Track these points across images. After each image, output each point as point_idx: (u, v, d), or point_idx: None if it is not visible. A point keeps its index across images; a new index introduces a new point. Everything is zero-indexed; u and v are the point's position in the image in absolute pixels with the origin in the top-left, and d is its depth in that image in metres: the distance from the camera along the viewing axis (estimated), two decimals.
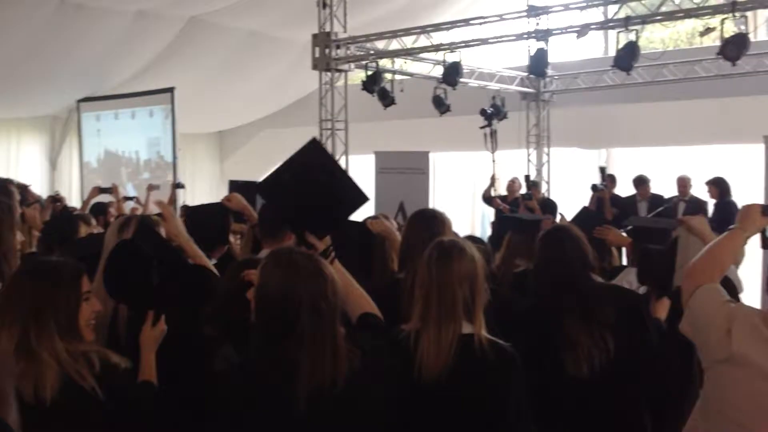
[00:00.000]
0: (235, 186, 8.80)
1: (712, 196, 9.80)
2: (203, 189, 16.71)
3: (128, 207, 9.09)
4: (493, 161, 10.61)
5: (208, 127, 17.20)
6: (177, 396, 2.78)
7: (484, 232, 14.19)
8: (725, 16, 7.89)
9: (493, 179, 11.50)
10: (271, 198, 3.02)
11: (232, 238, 4.95)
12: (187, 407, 2.77)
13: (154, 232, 3.40)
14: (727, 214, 8.78)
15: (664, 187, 10.99)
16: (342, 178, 2.86)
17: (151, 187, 9.71)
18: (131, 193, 12.12)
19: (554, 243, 3.50)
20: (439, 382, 2.63)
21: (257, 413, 2.24)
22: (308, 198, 2.75)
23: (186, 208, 7.17)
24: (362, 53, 10.64)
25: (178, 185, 10.36)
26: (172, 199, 9.93)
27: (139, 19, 11.95)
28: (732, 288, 3.35)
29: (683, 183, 10.27)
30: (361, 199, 2.80)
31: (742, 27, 8.06)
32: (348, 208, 2.86)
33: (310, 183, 2.75)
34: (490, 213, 12.30)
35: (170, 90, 13.40)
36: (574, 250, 3.42)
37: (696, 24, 12.07)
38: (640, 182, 10.79)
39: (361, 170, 13.30)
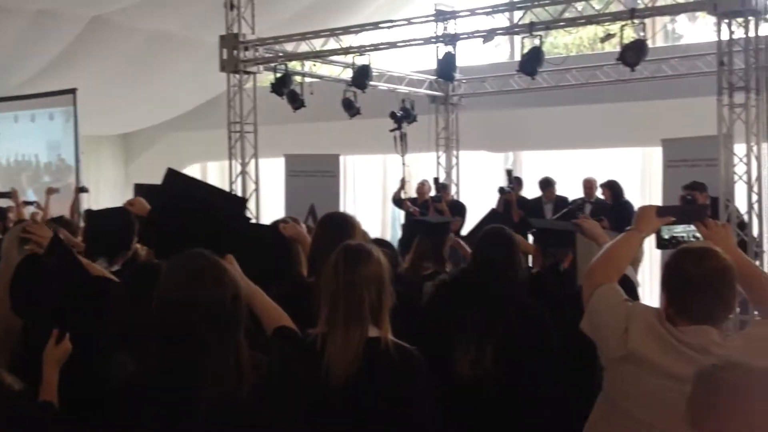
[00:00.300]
0: (140, 189, 8.57)
1: (606, 199, 10.07)
2: (108, 193, 16.27)
3: (28, 212, 8.80)
4: (403, 164, 10.69)
5: (112, 129, 16.77)
6: (78, 415, 2.68)
7: (395, 234, 14.28)
8: (625, 22, 8.13)
9: (403, 182, 11.58)
10: (162, 248, 2.96)
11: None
12: (89, 427, 2.68)
13: (65, 247, 3.28)
14: (623, 214, 9.07)
15: (571, 190, 11.29)
16: (212, 194, 2.84)
17: (50, 191, 9.41)
18: (31, 197, 11.70)
19: (491, 246, 3.55)
20: (347, 385, 2.63)
21: (154, 425, 2.18)
22: (193, 229, 2.71)
23: (88, 213, 6.98)
24: (271, 55, 10.54)
25: (81, 189, 10.07)
26: (76, 204, 9.66)
27: (39, 19, 11.55)
28: (631, 287, 3.47)
29: (589, 185, 10.51)
30: (237, 202, 2.79)
31: (641, 33, 8.32)
32: (233, 218, 2.84)
33: (187, 214, 2.72)
34: (401, 215, 12.38)
35: (72, 91, 12.99)
36: (509, 254, 3.48)
37: (597, 30, 12.42)
38: (546, 184, 11.03)
39: (271, 173, 13.20)
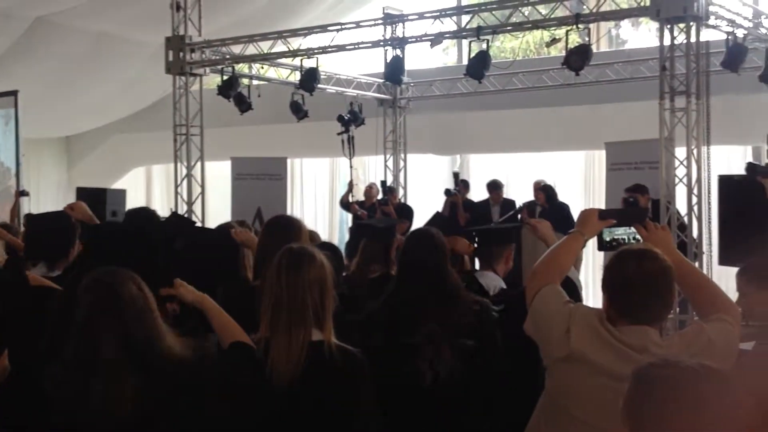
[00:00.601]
0: (83, 193, 8.46)
1: (540, 201, 10.12)
2: (49, 197, 15.94)
3: None
4: (351, 167, 10.68)
5: (54, 131, 16.42)
6: None
7: (343, 237, 14.25)
8: (570, 27, 8.25)
9: (350, 185, 11.57)
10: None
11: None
12: None
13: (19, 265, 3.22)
14: (559, 216, 9.14)
15: (517, 193, 11.40)
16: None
17: (21, 193, 9.26)
18: None
19: (417, 247, 3.54)
20: (290, 389, 2.61)
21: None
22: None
23: (28, 217, 6.83)
24: (218, 57, 10.45)
25: (22, 193, 9.85)
26: (16, 208, 9.45)
27: None
28: (574, 288, 3.51)
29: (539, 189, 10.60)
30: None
31: (586, 38, 8.45)
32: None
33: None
34: (348, 218, 12.38)
35: (14, 93, 12.70)
36: (437, 255, 3.48)
37: (543, 35, 12.57)
38: (493, 187, 11.12)
39: (218, 176, 13.08)
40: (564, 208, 10.00)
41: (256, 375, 2.59)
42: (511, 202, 10.92)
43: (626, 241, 2.91)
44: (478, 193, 11.97)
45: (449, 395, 3.26)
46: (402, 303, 3.39)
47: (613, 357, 2.43)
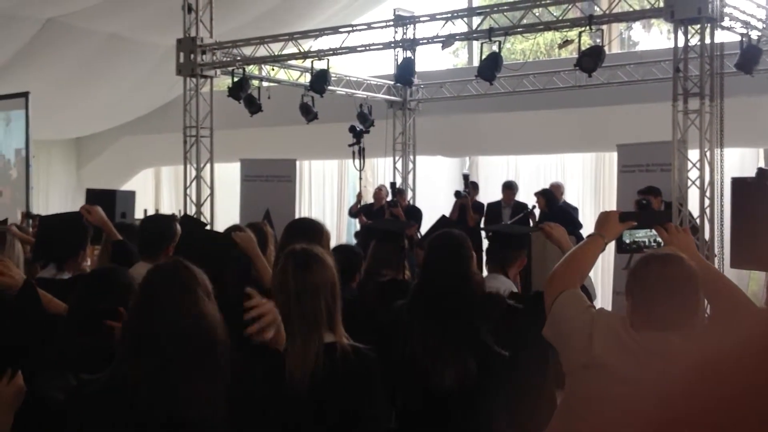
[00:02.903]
0: (92, 195, 8.41)
1: (541, 207, 9.93)
2: (58, 198, 15.96)
3: None
4: (360, 179, 10.61)
5: (64, 133, 16.44)
6: None
7: (351, 240, 14.22)
8: (582, 29, 8.19)
9: (359, 197, 11.52)
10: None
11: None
12: None
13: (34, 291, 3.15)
14: (560, 221, 8.97)
15: (529, 195, 11.33)
16: None
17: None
18: None
19: (441, 250, 3.48)
20: (309, 392, 2.56)
21: None
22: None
23: (40, 219, 6.81)
24: (228, 59, 10.43)
25: (28, 215, 9.77)
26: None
27: None
28: (587, 294, 3.45)
29: (554, 190, 10.51)
30: None
31: (598, 40, 8.39)
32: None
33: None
34: (356, 222, 12.34)
35: (24, 95, 12.72)
36: (461, 258, 3.42)
37: (555, 36, 12.51)
38: (506, 187, 11.03)
39: (227, 178, 13.07)
40: (566, 212, 9.88)
41: (278, 382, 2.55)
42: (523, 205, 10.84)
43: (647, 243, 2.86)
44: (487, 196, 11.91)
45: (472, 400, 3.21)
46: (426, 305, 3.32)
47: (635, 365, 2.37)
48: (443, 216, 9.63)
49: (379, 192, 11.57)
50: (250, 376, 2.41)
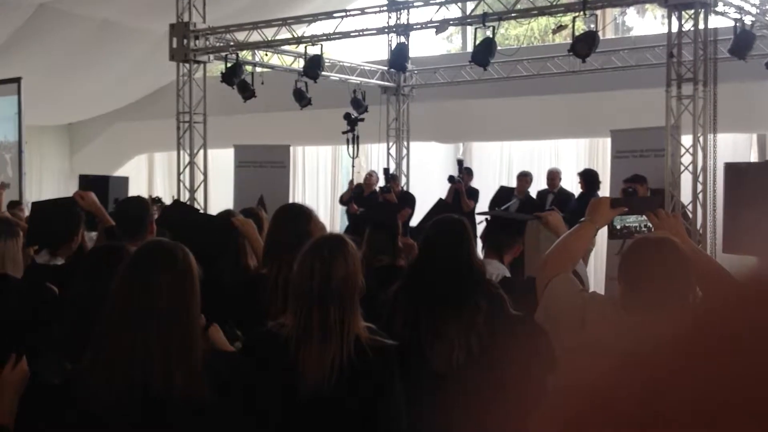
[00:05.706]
0: (85, 181, 8.39)
1: (582, 188, 9.81)
2: (51, 184, 15.92)
3: None
4: (353, 166, 10.61)
5: (56, 119, 16.39)
6: None
7: (344, 225, 14.22)
8: (576, 14, 8.19)
9: (351, 184, 11.51)
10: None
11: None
12: None
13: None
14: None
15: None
16: None
17: (2, 186, 9.20)
18: None
19: (443, 233, 3.45)
20: (324, 391, 2.50)
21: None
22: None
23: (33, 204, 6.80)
24: (222, 44, 10.40)
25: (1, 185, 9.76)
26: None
27: None
28: (579, 282, 3.46)
29: (552, 176, 10.40)
30: None
31: (592, 25, 8.39)
32: None
33: None
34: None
35: (17, 80, 12.66)
36: (464, 241, 3.39)
37: (549, 22, 12.50)
38: (520, 176, 10.66)
39: (220, 164, 13.05)
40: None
41: (287, 375, 2.51)
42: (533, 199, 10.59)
43: (638, 229, 2.88)
44: (480, 181, 11.92)
45: (472, 382, 3.21)
46: (425, 288, 3.29)
47: (627, 347, 2.39)
48: (441, 199, 9.65)
49: (369, 178, 11.54)
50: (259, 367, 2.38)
